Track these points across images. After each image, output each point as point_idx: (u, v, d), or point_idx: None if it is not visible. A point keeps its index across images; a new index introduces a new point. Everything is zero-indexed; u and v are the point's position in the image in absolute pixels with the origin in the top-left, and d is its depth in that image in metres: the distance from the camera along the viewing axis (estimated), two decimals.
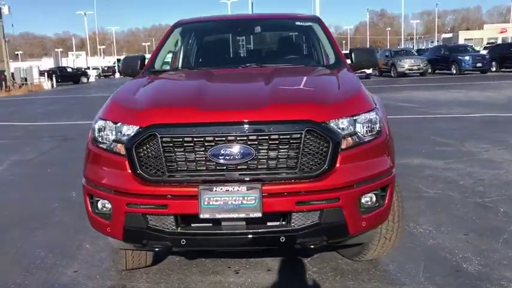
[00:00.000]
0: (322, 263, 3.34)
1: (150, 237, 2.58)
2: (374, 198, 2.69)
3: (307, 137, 2.48)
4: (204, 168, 2.49)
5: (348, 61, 3.87)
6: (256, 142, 2.47)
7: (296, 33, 4.53)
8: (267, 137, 2.47)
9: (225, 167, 2.48)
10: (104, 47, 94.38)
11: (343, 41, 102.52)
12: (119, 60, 77.31)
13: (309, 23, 4.29)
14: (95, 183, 2.70)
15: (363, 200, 2.66)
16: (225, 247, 2.79)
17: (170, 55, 4.27)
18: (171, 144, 2.49)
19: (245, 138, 2.47)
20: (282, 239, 2.53)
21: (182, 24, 4.44)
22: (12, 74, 39.03)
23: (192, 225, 2.58)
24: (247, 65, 3.73)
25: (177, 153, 2.49)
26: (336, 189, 2.52)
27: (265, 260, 3.40)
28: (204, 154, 2.47)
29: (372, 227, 2.81)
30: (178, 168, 2.50)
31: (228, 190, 2.44)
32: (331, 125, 2.55)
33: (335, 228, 2.57)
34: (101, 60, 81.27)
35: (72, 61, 76.87)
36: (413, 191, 4.98)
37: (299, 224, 2.54)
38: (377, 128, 2.72)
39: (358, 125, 2.65)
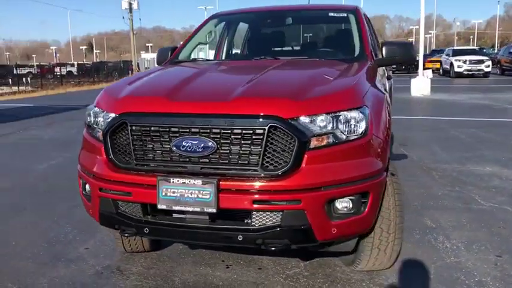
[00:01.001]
0: (318, 268, 3.17)
1: (120, 222, 2.65)
2: (350, 204, 2.48)
3: (271, 133, 2.36)
4: (168, 158, 2.50)
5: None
6: (218, 136, 2.41)
7: (328, 24, 4.33)
8: (229, 131, 2.40)
9: (186, 159, 2.46)
10: None
11: (471, 37, 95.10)
12: None
13: (344, 14, 4.06)
14: (82, 167, 2.85)
15: (337, 205, 2.48)
16: (187, 240, 2.78)
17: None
18: (139, 133, 2.53)
19: (208, 131, 2.42)
20: (240, 238, 2.45)
21: (218, 16, 4.47)
22: (138, 63, 42.45)
23: (158, 215, 2.60)
24: (262, 57, 3.65)
25: (144, 142, 2.53)
26: (298, 191, 2.37)
27: (261, 258, 3.32)
28: (169, 145, 2.48)
29: (347, 236, 2.61)
30: (145, 157, 2.54)
31: (184, 183, 2.42)
32: (300, 122, 2.39)
33: (298, 231, 2.41)
34: None
35: (196, 53, 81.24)
36: (465, 202, 4.51)
37: (259, 224, 2.43)
38: (360, 128, 2.50)
39: (335, 123, 2.45)
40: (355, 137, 2.49)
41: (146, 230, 2.59)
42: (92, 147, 2.77)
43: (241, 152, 2.39)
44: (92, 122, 2.82)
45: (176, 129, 2.46)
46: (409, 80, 17.28)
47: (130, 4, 40.34)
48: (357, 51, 3.61)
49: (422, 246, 3.52)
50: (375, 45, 4.30)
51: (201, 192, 2.39)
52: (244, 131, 2.38)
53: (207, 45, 4.37)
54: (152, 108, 2.57)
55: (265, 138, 2.35)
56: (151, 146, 2.52)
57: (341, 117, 2.47)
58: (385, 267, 3.01)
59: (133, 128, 2.54)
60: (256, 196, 2.37)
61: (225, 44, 4.39)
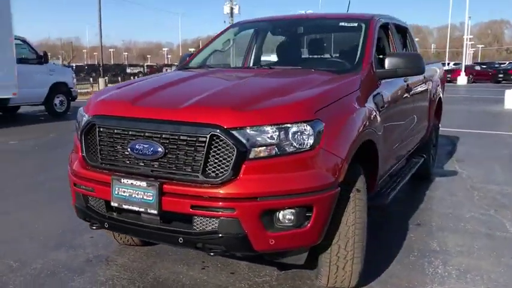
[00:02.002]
0: (289, 279, 3.16)
1: (88, 216, 2.88)
2: (292, 217, 2.48)
3: (213, 141, 2.44)
4: (125, 160, 2.67)
5: None
6: (167, 141, 2.54)
7: (338, 34, 4.24)
8: (176, 137, 2.51)
9: (139, 162, 2.62)
10: None
11: None
12: None
13: (355, 24, 3.96)
14: (68, 164, 3.13)
15: (279, 216, 2.48)
16: (140, 237, 2.92)
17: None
18: (104, 134, 2.74)
19: (158, 136, 2.56)
20: (181, 240, 2.56)
21: (238, 25, 4.58)
22: None
23: (119, 212, 2.78)
24: (256, 66, 3.71)
25: (108, 143, 2.73)
26: (233, 199, 2.41)
27: (239, 263, 3.38)
28: (126, 147, 2.66)
29: (286, 248, 2.60)
30: (107, 157, 2.74)
31: (132, 184, 2.58)
32: (241, 132, 2.43)
33: (234, 239, 2.46)
34: None
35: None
36: (490, 228, 4.18)
37: (200, 228, 2.52)
38: (307, 141, 2.48)
39: (280, 135, 2.45)
40: (301, 150, 2.48)
41: (106, 225, 2.79)
42: (75, 146, 3.04)
43: (186, 158, 2.50)
44: (77, 122, 3.09)
45: (133, 133, 2.63)
46: (504, 91, 15.97)
47: (231, 9, 41.81)
48: (353, 63, 3.52)
49: (411, 269, 3.35)
50: None
51: (146, 193, 2.54)
52: (188, 138, 2.48)
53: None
54: (116, 112, 2.76)
55: (206, 146, 2.44)
56: (113, 146, 2.71)
57: (287, 129, 2.47)
58: (349, 285, 2.92)
59: (100, 129, 2.76)
60: (195, 201, 2.46)
61: (228, 52, 4.50)
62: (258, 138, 2.45)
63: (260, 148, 2.45)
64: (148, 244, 3.67)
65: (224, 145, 2.43)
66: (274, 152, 2.46)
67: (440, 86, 5.93)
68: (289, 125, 2.48)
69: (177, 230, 2.57)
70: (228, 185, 2.42)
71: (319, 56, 4.16)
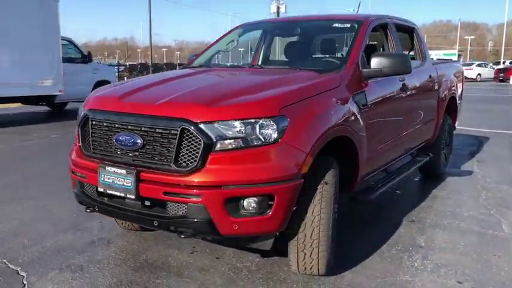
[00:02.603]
0: (268, 265, 3.37)
1: (83, 200, 3.21)
2: (254, 205, 2.70)
3: (184, 134, 2.70)
4: (111, 150, 2.98)
5: None
6: (146, 133, 2.83)
7: (332, 35, 4.37)
8: (153, 130, 2.80)
9: (123, 151, 2.92)
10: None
11: None
12: None
13: (348, 25, 4.11)
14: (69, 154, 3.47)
15: (244, 204, 2.71)
16: (124, 220, 3.20)
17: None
18: (96, 127, 3.07)
19: (139, 128, 2.85)
20: (156, 223, 2.84)
21: (243, 26, 4.82)
22: None
23: (106, 197, 3.08)
24: (248, 66, 3.94)
25: (99, 134, 3.05)
26: (200, 187, 2.66)
27: (228, 250, 3.62)
28: (112, 138, 2.97)
29: (250, 233, 2.82)
30: (98, 147, 3.06)
31: (115, 171, 2.89)
32: (209, 126, 2.67)
33: (201, 223, 2.70)
34: None
35: None
36: (484, 227, 4.21)
37: (172, 213, 2.79)
38: (271, 135, 2.70)
39: (245, 129, 2.68)
40: (264, 143, 2.70)
41: (96, 208, 3.12)
42: (75, 137, 3.38)
43: (161, 149, 2.77)
44: (78, 116, 3.43)
45: (118, 125, 2.94)
46: None
47: (278, 8, 42.07)
48: (338, 63, 3.68)
49: (389, 261, 3.48)
50: None
51: (125, 180, 2.84)
52: (163, 131, 2.76)
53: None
54: (106, 107, 3.08)
55: (178, 139, 2.70)
56: (103, 138, 3.03)
57: (251, 124, 2.70)
58: (319, 273, 3.10)
59: (93, 122, 3.09)
60: (167, 188, 2.73)
61: (229, 52, 4.74)
62: (224, 132, 2.68)
63: (226, 141, 2.68)
64: (148, 230, 3.98)
65: (193, 138, 2.68)
66: (239, 144, 2.69)
67: (455, 85, 5.91)
68: (253, 120, 2.70)
69: (153, 214, 2.84)
70: (196, 174, 2.67)
71: (311, 56, 4.33)
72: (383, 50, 4.53)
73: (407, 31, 5.23)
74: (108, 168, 2.91)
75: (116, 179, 2.88)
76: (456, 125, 6.42)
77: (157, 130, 2.78)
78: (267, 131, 2.71)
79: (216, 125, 2.68)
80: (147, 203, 2.87)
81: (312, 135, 2.88)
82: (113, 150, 2.97)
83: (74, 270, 3.29)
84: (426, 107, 5.02)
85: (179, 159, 2.72)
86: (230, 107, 2.76)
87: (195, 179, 2.67)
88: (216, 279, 3.18)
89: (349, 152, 3.42)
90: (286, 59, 4.30)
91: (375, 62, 3.63)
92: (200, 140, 2.66)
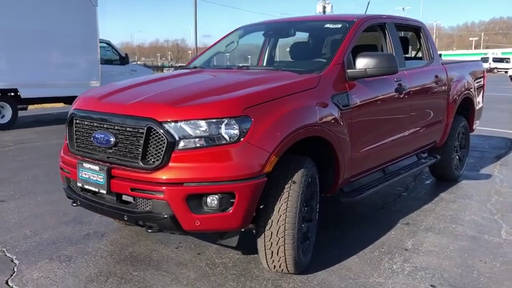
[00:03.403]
0: (245, 262, 3.44)
1: (69, 195, 3.41)
2: (216, 202, 2.79)
3: (150, 133, 2.83)
4: (91, 147, 3.16)
5: None
6: (118, 132, 2.98)
7: (321, 36, 4.36)
8: (124, 129, 2.95)
9: (99, 149, 3.09)
10: None
11: None
12: (439, 55, 75.41)
13: (339, 25, 4.10)
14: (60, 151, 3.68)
15: (207, 200, 2.80)
16: (100, 214, 3.33)
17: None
18: (78, 125, 3.26)
19: (112, 127, 3.01)
20: (126, 218, 2.98)
21: (243, 27, 4.90)
22: None
23: (88, 192, 3.26)
24: (236, 67, 4.02)
25: (81, 132, 3.24)
26: (162, 184, 2.78)
27: (211, 246, 3.72)
28: (91, 136, 3.14)
29: (212, 229, 2.90)
30: (81, 144, 3.25)
31: (90, 167, 3.05)
32: (172, 125, 2.79)
33: (165, 219, 2.82)
34: None
35: None
36: (481, 232, 4.09)
37: (140, 208, 2.92)
38: (233, 135, 2.78)
39: (208, 129, 2.77)
40: (226, 142, 2.78)
41: (78, 202, 3.30)
42: (65, 135, 3.59)
43: (130, 146, 2.92)
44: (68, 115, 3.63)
45: (96, 124, 3.11)
46: None
47: (324, 7, 41.79)
48: (322, 63, 3.70)
49: (367, 263, 3.46)
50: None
51: (98, 176, 3.00)
52: (132, 130, 2.90)
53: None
54: (88, 106, 3.26)
55: (145, 137, 2.84)
56: (84, 136, 3.21)
57: (214, 124, 2.79)
58: (288, 271, 3.15)
59: (77, 121, 3.28)
60: (134, 185, 2.87)
61: (222, 53, 4.84)
62: (187, 131, 2.79)
63: (189, 140, 2.79)
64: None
65: (158, 136, 2.80)
66: (201, 143, 2.79)
67: (471, 86, 5.73)
68: (216, 120, 2.79)
69: (123, 209, 2.99)
70: (159, 171, 2.79)
71: (303, 57, 4.34)
72: (382, 50, 4.48)
73: (413, 31, 5.14)
74: (85, 165, 3.09)
75: (91, 175, 3.04)
76: (475, 127, 6.21)
77: (127, 129, 2.92)
78: (229, 131, 2.78)
79: (179, 124, 2.79)
80: (122, 198, 3.01)
81: (277, 136, 2.92)
82: (92, 148, 3.14)
83: (62, 261, 3.49)
84: (431, 108, 4.91)
85: (146, 156, 2.85)
86: (194, 107, 2.86)
87: (159, 176, 2.78)
88: (190, 273, 3.28)
89: (329, 153, 3.44)
90: (274, 61, 4.35)
91: (360, 63, 3.63)
92: (164, 139, 2.77)
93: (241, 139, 2.79)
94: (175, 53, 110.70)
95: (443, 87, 5.10)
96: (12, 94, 10.92)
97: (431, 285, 3.12)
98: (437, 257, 3.57)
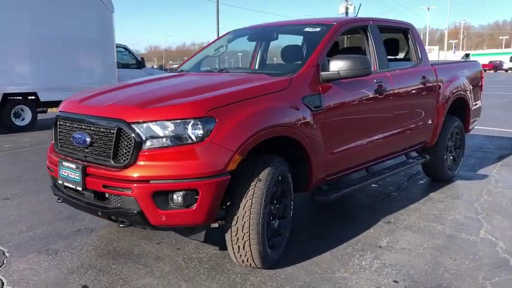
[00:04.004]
0: (220, 257, 3.59)
1: (55, 192, 3.63)
2: (181, 198, 2.95)
3: (121, 133, 3.02)
4: (71, 147, 3.37)
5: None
6: (93, 132, 3.18)
7: (302, 39, 4.47)
8: (98, 130, 3.15)
9: (77, 148, 3.29)
10: (455, 41, 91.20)
11: None
12: (467, 55, 74.10)
13: (318, 29, 4.21)
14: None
15: (174, 197, 2.97)
16: (79, 210, 3.51)
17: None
18: (61, 126, 3.48)
19: (89, 128, 3.22)
20: (100, 213, 3.17)
21: (233, 32, 5.06)
22: None
23: (70, 189, 3.47)
24: (217, 70, 4.19)
25: (63, 133, 3.46)
26: (131, 181, 2.95)
27: (191, 242, 3.89)
28: (71, 136, 3.35)
29: (177, 224, 3.06)
30: (63, 144, 3.46)
31: (68, 166, 3.26)
32: (140, 126, 2.97)
33: (134, 214, 3.00)
34: (451, 55, 79.15)
35: None
36: (459, 230, 4.14)
37: (112, 204, 3.11)
38: (197, 135, 2.94)
39: (174, 129, 2.94)
40: (190, 142, 2.95)
41: (60, 199, 3.52)
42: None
43: (103, 146, 3.11)
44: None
45: (75, 125, 3.33)
46: None
47: (347, 8, 41.64)
48: (296, 66, 3.82)
49: (338, 259, 3.56)
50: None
51: (75, 174, 3.20)
52: (105, 130, 3.10)
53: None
54: (69, 109, 3.48)
55: (115, 137, 3.03)
56: (66, 136, 3.43)
57: (179, 124, 2.96)
58: (256, 265, 3.28)
59: (60, 122, 3.50)
60: (105, 182, 3.06)
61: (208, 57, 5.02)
62: (154, 131, 2.96)
63: (155, 139, 2.96)
64: None
65: (127, 136, 2.99)
66: (167, 143, 2.96)
67: (466, 87, 5.74)
68: (181, 121, 2.96)
69: (98, 205, 3.18)
70: (128, 169, 2.97)
71: (282, 60, 4.47)
72: (364, 52, 4.57)
73: (400, 32, 5.20)
74: (64, 163, 3.30)
75: (70, 173, 3.25)
76: (471, 127, 6.20)
77: (101, 129, 3.12)
78: (193, 131, 2.95)
79: (146, 125, 2.97)
80: (99, 195, 3.21)
81: (241, 135, 3.06)
82: (73, 148, 3.35)
83: (49, 254, 3.71)
84: (418, 108, 4.96)
85: (117, 155, 3.03)
86: (161, 108, 3.04)
87: (127, 174, 2.97)
88: (165, 267, 3.46)
89: (301, 153, 3.56)
90: (261, 63, 4.50)
91: (333, 65, 3.74)
92: (132, 138, 2.95)
93: (205, 139, 2.95)
94: None
95: (432, 88, 5.14)
96: (32, 98, 11.37)
97: (394, 281, 3.20)
98: (408, 254, 3.64)
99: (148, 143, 2.96)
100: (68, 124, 3.40)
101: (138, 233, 4.12)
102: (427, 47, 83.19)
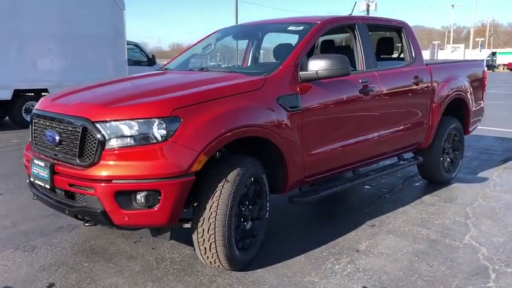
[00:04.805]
0: (193, 258, 3.57)
1: (31, 189, 3.66)
2: (143, 198, 2.93)
3: (86, 131, 3.02)
4: (43, 145, 3.38)
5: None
6: (61, 130, 3.19)
7: (285, 38, 4.40)
8: (66, 128, 3.15)
9: (48, 146, 3.30)
10: (482, 39, 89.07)
11: None
12: (493, 53, 72.37)
13: (301, 27, 4.14)
14: None
15: (137, 197, 2.95)
16: (49, 206, 3.51)
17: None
18: (36, 124, 3.49)
19: (58, 126, 3.22)
20: (67, 212, 3.18)
21: (221, 30, 5.02)
22: None
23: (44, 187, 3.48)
24: (193, 69, 4.18)
25: (37, 131, 3.48)
26: (94, 180, 2.94)
27: (167, 242, 3.87)
28: (43, 134, 3.36)
29: (140, 225, 3.05)
30: (37, 142, 3.48)
31: (38, 163, 3.28)
32: (103, 124, 2.95)
33: (97, 213, 2.99)
34: (478, 54, 77.38)
35: (450, 53, 76.25)
36: (444, 235, 4.02)
37: (78, 203, 3.11)
38: (160, 135, 2.91)
39: (137, 128, 2.92)
40: (153, 142, 2.92)
41: (35, 197, 3.54)
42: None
43: (70, 145, 3.11)
44: None
45: (47, 123, 3.34)
46: None
47: (368, 6, 41.15)
48: (274, 66, 3.76)
49: (311, 262, 3.50)
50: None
51: (44, 172, 3.21)
52: (72, 129, 3.10)
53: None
54: (43, 107, 3.49)
55: (81, 135, 3.02)
56: (39, 134, 3.44)
57: (143, 124, 2.93)
58: (224, 267, 3.25)
59: (34, 120, 3.52)
60: (71, 180, 3.06)
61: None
62: (117, 130, 2.95)
63: (119, 139, 2.95)
64: None
65: (91, 135, 2.98)
66: (131, 142, 2.94)
67: (466, 88, 5.59)
68: (145, 120, 2.94)
69: (65, 203, 3.19)
70: (92, 168, 2.97)
71: (276, 58, 4.41)
72: (352, 51, 4.48)
73: (393, 31, 5.09)
74: (35, 161, 3.32)
75: (40, 171, 3.27)
76: (471, 129, 6.03)
77: (69, 128, 3.12)
78: (157, 131, 2.92)
79: (110, 124, 2.95)
80: (69, 193, 3.21)
81: (208, 136, 3.02)
82: (45, 146, 3.37)
83: (26, 250, 3.74)
84: (410, 109, 4.84)
85: (83, 154, 3.03)
86: (125, 107, 3.02)
87: (90, 172, 2.96)
88: (136, 266, 3.45)
89: (277, 154, 3.51)
90: (252, 61, 4.45)
91: (312, 65, 3.66)
92: (96, 137, 2.94)
93: (169, 139, 2.91)
94: None
95: (426, 88, 5.01)
96: (44, 94, 11.54)
97: (363, 287, 3.12)
98: (385, 259, 3.55)
99: (112, 142, 2.94)
100: (41, 122, 3.42)
101: (118, 231, 4.12)
102: (451, 46, 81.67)
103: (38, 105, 3.59)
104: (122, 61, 12.73)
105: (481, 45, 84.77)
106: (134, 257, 3.61)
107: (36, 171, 3.31)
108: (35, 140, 3.50)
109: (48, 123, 3.32)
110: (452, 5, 48.24)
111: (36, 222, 4.40)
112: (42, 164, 3.23)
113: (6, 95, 10.71)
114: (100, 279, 3.25)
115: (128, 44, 12.95)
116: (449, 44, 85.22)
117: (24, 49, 10.88)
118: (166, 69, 4.61)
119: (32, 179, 3.40)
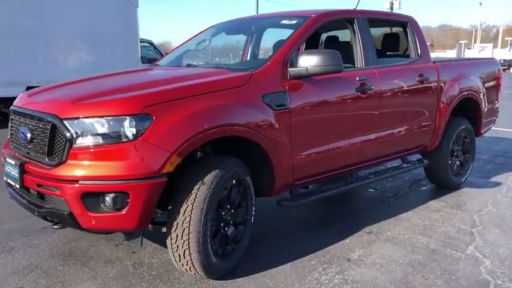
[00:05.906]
0: (170, 264, 3.39)
1: (7, 188, 3.52)
2: (111, 201, 2.75)
3: (55, 129, 2.86)
4: (18, 142, 3.23)
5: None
6: (33, 128, 3.04)
7: (278, 32, 4.16)
8: (37, 125, 3.00)
9: (22, 143, 3.16)
10: (511, 38, 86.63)
11: None
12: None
13: (294, 21, 3.91)
14: None
15: (106, 199, 2.77)
16: (22, 206, 3.36)
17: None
18: (12, 121, 3.36)
19: (30, 123, 3.08)
20: (36, 212, 3.02)
21: (217, 25, 4.82)
22: None
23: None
24: (185, 65, 3.98)
25: (13, 128, 3.34)
26: (60, 181, 2.78)
27: (150, 244, 3.70)
28: (18, 131, 3.22)
29: (107, 229, 2.87)
30: (13, 139, 3.34)
31: (10, 162, 3.14)
32: (71, 122, 2.78)
33: (64, 216, 2.83)
34: (507, 53, 75.34)
35: (478, 52, 74.43)
36: (445, 245, 3.75)
37: (47, 204, 2.95)
38: (130, 133, 2.73)
39: (106, 126, 2.74)
40: (122, 140, 2.74)
41: (11, 197, 3.40)
42: None
43: (41, 143, 2.96)
44: None
45: (22, 120, 3.19)
46: None
47: (391, 4, 40.39)
48: (263, 61, 3.54)
49: (297, 272, 3.27)
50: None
51: (14, 170, 3.07)
52: (41, 126, 2.94)
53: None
54: (20, 104, 3.35)
55: (49, 133, 2.86)
56: (15, 131, 3.30)
57: (112, 121, 2.75)
58: (199, 275, 3.05)
59: (11, 116, 3.38)
60: (39, 180, 2.90)
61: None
62: (85, 128, 2.78)
63: (86, 137, 2.77)
64: None
65: (60, 133, 2.82)
66: (98, 141, 2.76)
67: (479, 87, 5.27)
68: (114, 118, 2.76)
69: (36, 204, 3.04)
70: (59, 168, 2.81)
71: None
72: (352, 46, 4.23)
73: (398, 26, 4.81)
74: (8, 159, 3.18)
75: (11, 169, 3.13)
76: (483, 131, 5.69)
77: (39, 125, 2.97)
78: (127, 129, 2.74)
79: (78, 121, 2.78)
80: (40, 194, 3.06)
81: (181, 135, 2.83)
82: (19, 143, 3.22)
83: (3, 251, 3.62)
84: (413, 109, 4.56)
85: (52, 153, 2.87)
86: (94, 104, 2.85)
87: (57, 172, 2.80)
88: (111, 271, 3.28)
89: (262, 155, 3.30)
90: (251, 56, 4.26)
91: (302, 61, 3.44)
92: (64, 135, 2.78)
93: (139, 137, 2.73)
94: None
95: (432, 87, 4.71)
96: None
97: None
98: (378, 270, 3.30)
99: (80, 141, 2.77)
100: (17, 119, 3.28)
101: (100, 234, 3.97)
102: (478, 45, 79.66)
103: (16, 101, 3.45)
104: (135, 59, 12.64)
105: (510, 44, 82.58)
106: (112, 261, 3.44)
107: (8, 170, 3.17)
108: (11, 137, 3.36)
109: (22, 120, 3.18)
110: (480, 3, 47.01)
111: (21, 221, 4.27)
112: (13, 162, 3.09)
113: (19, 91, 10.71)
114: (71, 285, 3.09)
115: (141, 42, 12.87)
116: (477, 43, 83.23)
117: (38, 46, 10.87)
118: (156, 65, 4.44)
119: (4, 178, 3.26)
